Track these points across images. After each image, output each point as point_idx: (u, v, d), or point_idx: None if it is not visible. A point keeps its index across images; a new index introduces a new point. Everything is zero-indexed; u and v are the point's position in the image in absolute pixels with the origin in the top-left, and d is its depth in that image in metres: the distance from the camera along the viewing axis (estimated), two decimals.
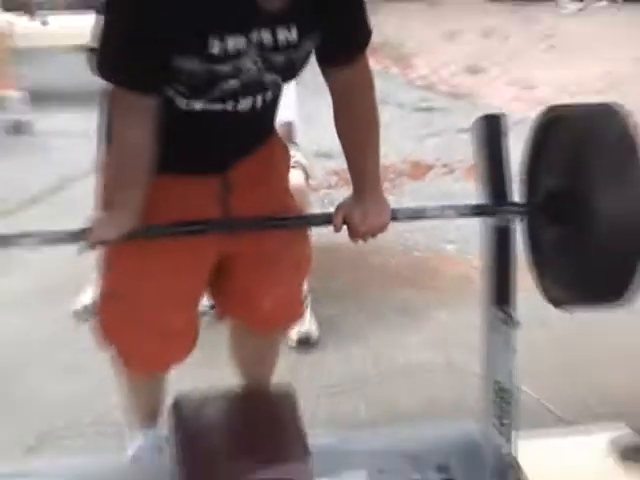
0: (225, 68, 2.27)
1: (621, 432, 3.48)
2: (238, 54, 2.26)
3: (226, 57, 2.25)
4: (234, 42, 2.23)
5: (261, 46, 2.28)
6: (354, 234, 2.53)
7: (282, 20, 2.28)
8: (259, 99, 2.43)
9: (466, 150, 6.01)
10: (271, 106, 2.54)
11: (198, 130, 2.47)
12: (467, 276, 4.67)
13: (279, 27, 2.29)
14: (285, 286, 2.75)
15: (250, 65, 2.30)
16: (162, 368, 2.92)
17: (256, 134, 2.59)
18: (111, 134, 2.44)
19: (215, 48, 2.22)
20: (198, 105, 2.39)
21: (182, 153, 2.49)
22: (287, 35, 2.30)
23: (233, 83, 2.32)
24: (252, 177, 2.59)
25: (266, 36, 2.27)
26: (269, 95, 2.46)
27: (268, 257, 2.63)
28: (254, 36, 2.26)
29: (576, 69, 7.83)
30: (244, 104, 2.41)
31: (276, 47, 2.31)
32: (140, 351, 2.77)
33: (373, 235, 2.54)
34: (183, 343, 2.80)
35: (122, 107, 2.37)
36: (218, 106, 2.40)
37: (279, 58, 2.34)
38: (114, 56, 2.30)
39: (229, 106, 2.40)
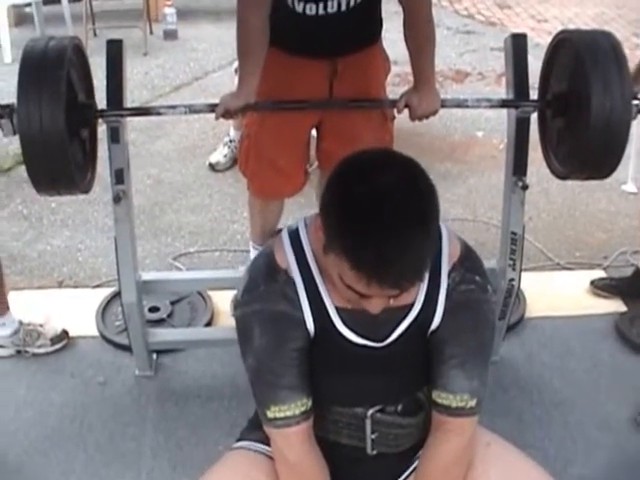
0: None
1: (598, 275, 3.46)
2: None
3: None
4: None
5: None
6: (412, 115, 2.50)
7: None
8: (343, 3, 2.41)
9: (495, 63, 6.04)
10: (359, 12, 2.46)
11: (310, 25, 2.46)
12: (491, 154, 4.58)
13: None
14: None
15: None
16: (275, 196, 2.94)
17: (354, 33, 2.51)
18: None
19: None
20: (300, 7, 2.41)
21: (302, 40, 2.49)
22: None
23: None
24: (354, 70, 2.56)
25: None
26: (351, 2, 2.42)
27: (350, 130, 2.60)
28: None
29: (578, 9, 7.64)
30: (330, 6, 2.41)
31: None
32: (260, 179, 2.84)
33: (427, 117, 2.52)
34: (291, 179, 2.83)
35: None
36: (314, 7, 2.41)
37: None
38: None
39: (321, 8, 2.41)
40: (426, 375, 1.70)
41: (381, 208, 1.37)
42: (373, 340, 1.64)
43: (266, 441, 1.74)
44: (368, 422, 1.73)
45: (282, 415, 1.62)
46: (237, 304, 1.66)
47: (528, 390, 2.84)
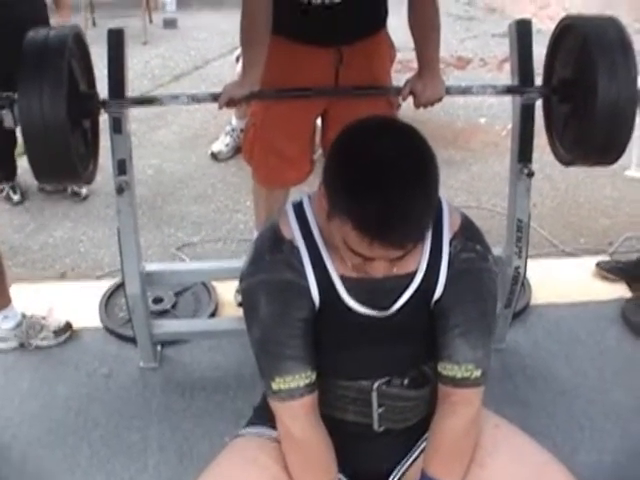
0: None
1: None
2: None
3: None
4: None
5: None
6: (417, 102, 2.48)
7: None
8: None
9: (496, 49, 6.02)
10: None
11: (316, 14, 2.45)
12: (494, 141, 4.58)
13: None
14: None
15: None
16: (280, 185, 2.91)
17: (360, 20, 2.50)
18: None
19: None
20: None
21: (308, 29, 2.47)
22: None
23: None
24: (360, 57, 2.54)
25: None
26: None
27: (356, 118, 2.58)
28: None
29: None
30: None
31: None
32: (265, 168, 2.81)
33: (431, 104, 2.50)
34: (296, 168, 2.80)
35: None
36: None
37: None
38: None
39: None
40: (431, 348, 1.70)
41: (383, 169, 1.40)
42: (377, 309, 1.64)
43: (273, 426, 1.74)
44: (374, 395, 1.73)
45: (286, 387, 1.62)
46: (242, 276, 1.67)
47: (534, 378, 2.82)
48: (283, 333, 1.62)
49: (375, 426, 1.76)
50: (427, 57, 2.49)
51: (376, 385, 1.72)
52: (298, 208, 1.66)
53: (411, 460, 1.80)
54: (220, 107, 2.39)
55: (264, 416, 1.78)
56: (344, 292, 1.62)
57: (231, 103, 2.38)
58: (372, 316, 1.65)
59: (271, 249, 1.63)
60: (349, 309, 1.64)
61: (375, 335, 1.67)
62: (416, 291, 1.64)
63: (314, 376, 1.64)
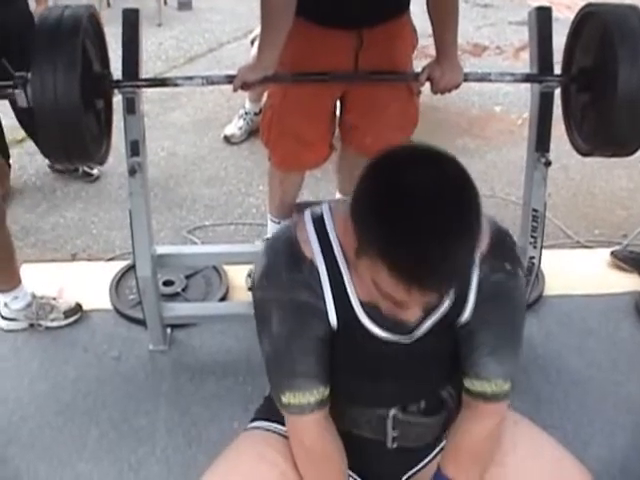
0: None
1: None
2: None
3: None
4: None
5: None
6: (434, 88, 2.47)
7: None
8: None
9: (513, 37, 5.97)
10: None
11: None
12: (510, 129, 4.53)
13: None
14: (387, 131, 2.61)
15: None
16: (296, 168, 2.88)
17: (382, 2, 2.48)
18: None
19: None
20: None
21: (329, 10, 2.43)
22: None
23: None
24: (381, 40, 2.50)
25: None
26: None
27: (374, 103, 2.55)
28: None
29: None
30: None
31: None
32: (282, 150, 2.78)
33: (449, 90, 2.48)
34: (314, 151, 2.77)
35: None
36: None
37: None
38: None
39: None
40: (451, 371, 1.65)
41: (422, 209, 1.27)
42: (399, 334, 1.56)
43: (282, 420, 1.70)
44: (389, 422, 1.69)
45: (297, 402, 1.57)
46: (255, 286, 1.58)
47: (546, 369, 2.80)
48: (296, 350, 1.55)
49: (389, 444, 1.73)
50: (445, 43, 2.47)
51: (392, 413, 1.68)
52: (319, 223, 1.54)
53: (424, 463, 1.78)
54: (234, 90, 2.38)
55: (273, 409, 1.71)
56: (364, 316, 1.54)
57: (245, 86, 2.36)
58: (393, 341, 1.57)
59: (289, 267, 1.52)
60: (369, 333, 1.56)
61: (394, 360, 1.60)
62: (442, 316, 1.56)
63: (326, 392, 1.59)
